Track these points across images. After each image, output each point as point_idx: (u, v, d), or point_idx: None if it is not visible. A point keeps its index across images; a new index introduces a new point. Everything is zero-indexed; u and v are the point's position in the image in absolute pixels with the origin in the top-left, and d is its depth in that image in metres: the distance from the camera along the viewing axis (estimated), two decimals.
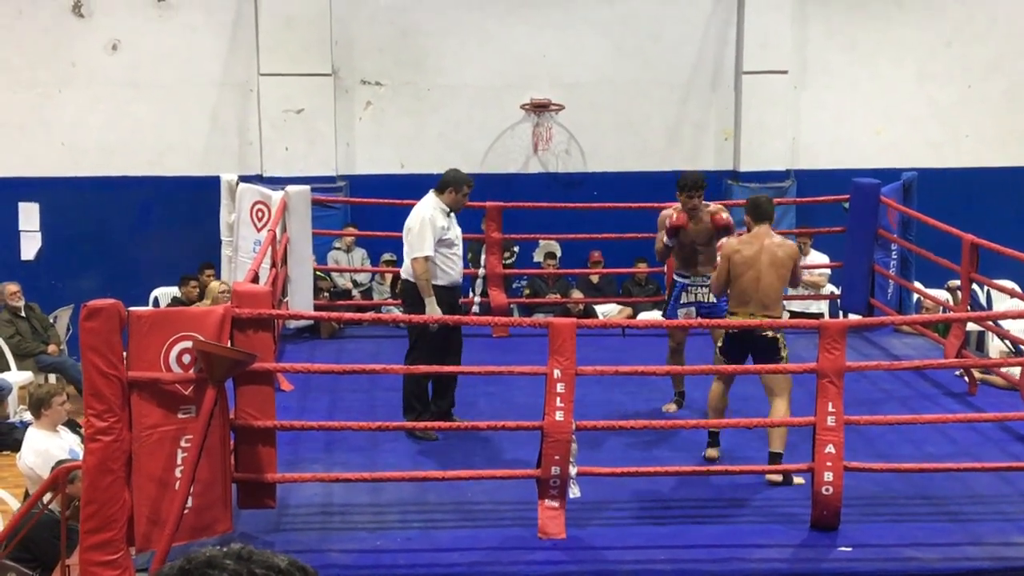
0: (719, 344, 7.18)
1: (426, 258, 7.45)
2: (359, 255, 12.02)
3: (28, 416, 8.99)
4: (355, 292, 11.80)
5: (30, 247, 12.51)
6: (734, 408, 7.31)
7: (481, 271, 10.35)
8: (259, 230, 9.59)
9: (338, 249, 11.89)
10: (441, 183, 7.69)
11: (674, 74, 13.01)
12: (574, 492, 6.13)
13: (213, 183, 10.72)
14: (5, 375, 10.85)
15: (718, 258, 7.39)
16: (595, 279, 12.13)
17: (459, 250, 7.78)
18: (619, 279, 12.28)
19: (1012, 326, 9.34)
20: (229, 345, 5.69)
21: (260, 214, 9.70)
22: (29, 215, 12.45)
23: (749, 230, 7.22)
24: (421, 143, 12.75)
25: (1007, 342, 9.10)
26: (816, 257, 11.48)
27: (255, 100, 12.47)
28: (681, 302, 7.95)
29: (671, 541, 6.16)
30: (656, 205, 10.37)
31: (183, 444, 5.56)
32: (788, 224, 12.63)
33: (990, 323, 9.56)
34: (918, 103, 13.30)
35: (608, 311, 11.83)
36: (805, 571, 6.00)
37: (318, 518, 6.39)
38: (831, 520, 6.17)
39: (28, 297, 11.43)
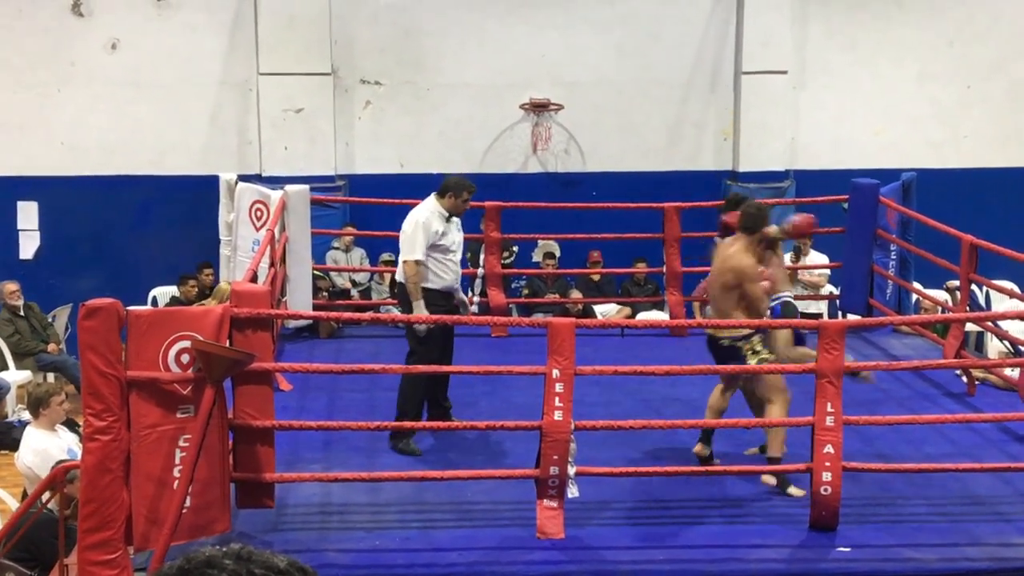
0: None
1: (416, 261, 7.38)
2: (358, 255, 12.01)
3: (27, 415, 8.98)
4: (354, 292, 11.80)
5: (29, 246, 12.51)
6: (738, 409, 7.31)
7: (480, 271, 10.34)
8: (258, 229, 9.59)
9: (337, 249, 11.89)
10: (442, 187, 7.63)
11: (673, 74, 13.01)
12: (573, 492, 6.13)
13: (212, 182, 10.71)
14: (4, 374, 10.85)
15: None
16: (595, 279, 12.12)
17: (456, 256, 7.65)
18: (618, 279, 12.27)
19: (1011, 326, 9.34)
20: (228, 345, 5.69)
21: (259, 213, 9.70)
22: (28, 214, 12.46)
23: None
24: (420, 143, 12.75)
25: (1006, 342, 9.10)
26: (815, 257, 11.47)
27: (254, 99, 12.47)
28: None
29: (669, 541, 6.16)
30: (655, 205, 10.41)
31: (182, 444, 5.56)
32: None
33: (989, 323, 9.56)
34: (918, 103, 13.30)
35: (607, 311, 11.83)
36: (803, 571, 6.00)
37: (317, 518, 6.39)
38: (830, 520, 6.17)
39: (27, 296, 11.43)
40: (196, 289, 11.38)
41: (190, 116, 12.52)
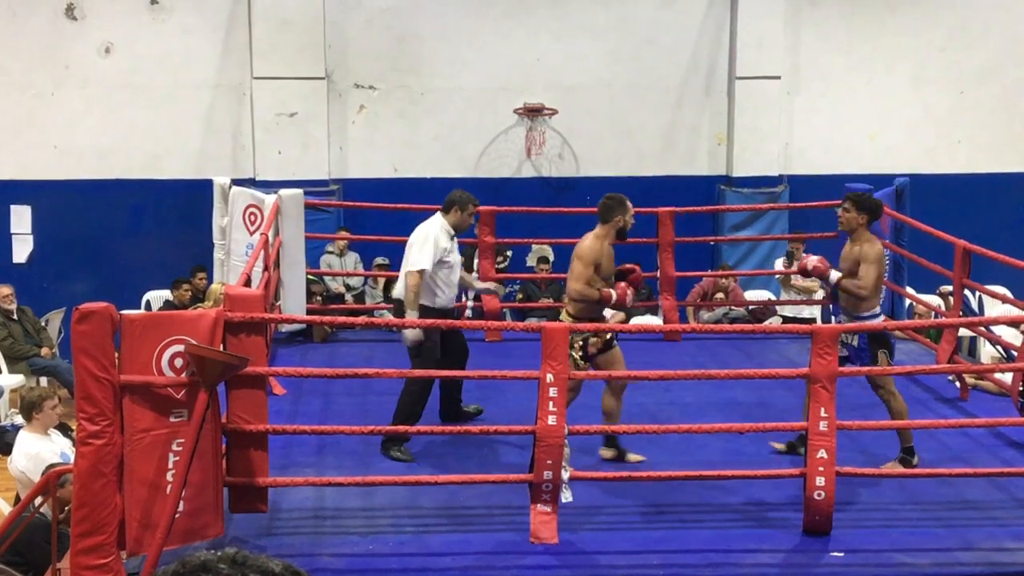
0: None
1: (421, 272, 7.37)
2: (352, 259, 12.00)
3: (19, 419, 8.96)
4: (348, 296, 11.79)
5: (22, 250, 12.49)
6: (736, 412, 7.31)
7: (474, 275, 10.33)
8: (252, 234, 9.58)
9: (331, 253, 11.88)
10: (446, 203, 7.64)
11: (667, 79, 13.03)
12: (566, 496, 6.13)
13: (206, 186, 10.71)
14: None
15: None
16: None
17: (455, 276, 7.65)
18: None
19: (1004, 332, 9.36)
20: (221, 349, 5.68)
21: (253, 218, 9.68)
22: (21, 218, 12.43)
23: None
24: (414, 147, 12.75)
25: (999, 347, 9.11)
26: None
27: (248, 103, 12.47)
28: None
29: (664, 546, 6.16)
30: (650, 210, 10.41)
31: (175, 448, 5.54)
32: (781, 229, 12.66)
33: (982, 329, 9.58)
34: (911, 108, 13.33)
35: None
36: None
37: (310, 522, 6.38)
38: (823, 525, 6.17)
39: (20, 300, 11.40)
40: (190, 293, 11.37)
41: (184, 120, 12.51)
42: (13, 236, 12.46)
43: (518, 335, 9.03)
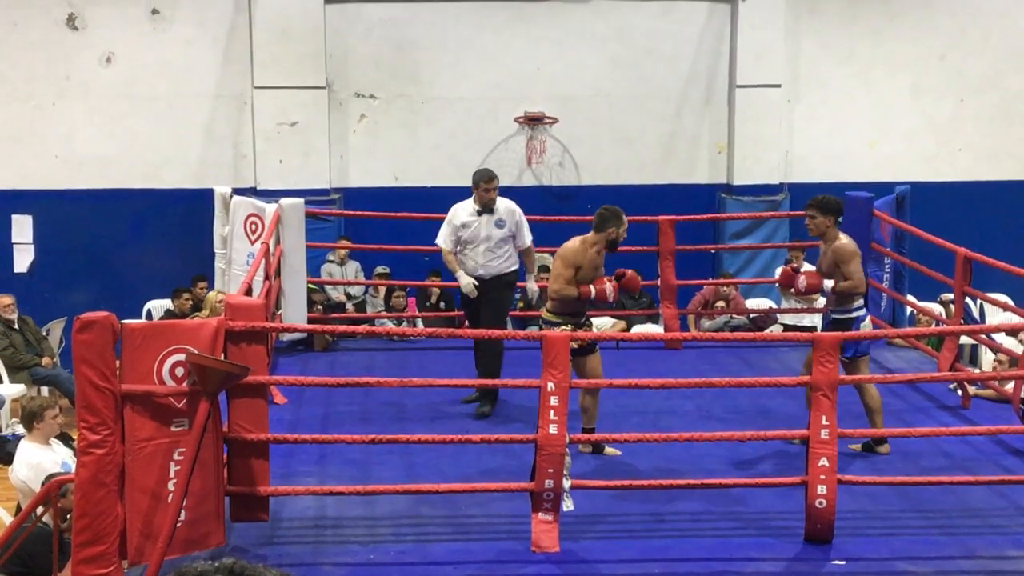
0: None
1: (439, 246, 8.47)
2: (353, 268, 12.00)
3: (20, 429, 8.96)
4: (349, 305, 11.78)
5: (23, 259, 12.49)
6: (737, 420, 7.31)
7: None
8: (253, 243, 9.59)
9: (332, 262, 11.88)
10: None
11: (667, 88, 13.04)
12: (568, 505, 6.12)
13: (207, 196, 10.73)
14: None
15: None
16: None
17: (477, 248, 8.35)
18: None
19: (1005, 340, 9.36)
20: (222, 358, 5.69)
21: (254, 227, 9.70)
22: (22, 228, 12.44)
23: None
24: (415, 156, 12.76)
25: (1000, 355, 9.11)
26: (808, 270, 11.47)
27: (249, 113, 12.48)
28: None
29: (665, 554, 6.15)
30: (650, 218, 10.41)
31: (176, 457, 5.55)
32: (782, 237, 12.66)
33: (983, 336, 9.57)
34: (911, 117, 13.33)
35: (602, 324, 11.81)
36: None
37: (311, 531, 6.37)
38: (825, 533, 6.17)
39: (21, 310, 11.40)
40: (191, 302, 11.36)
41: (185, 129, 12.53)
42: (14, 246, 12.47)
43: (519, 343, 9.03)
